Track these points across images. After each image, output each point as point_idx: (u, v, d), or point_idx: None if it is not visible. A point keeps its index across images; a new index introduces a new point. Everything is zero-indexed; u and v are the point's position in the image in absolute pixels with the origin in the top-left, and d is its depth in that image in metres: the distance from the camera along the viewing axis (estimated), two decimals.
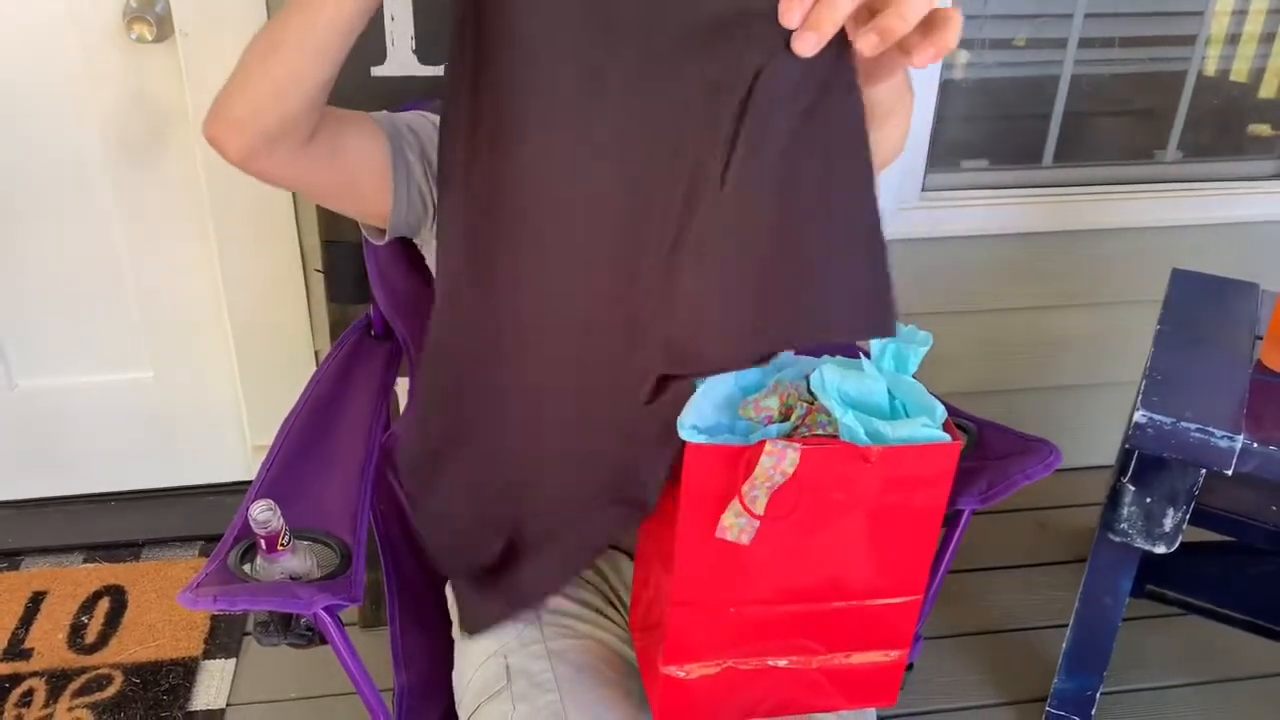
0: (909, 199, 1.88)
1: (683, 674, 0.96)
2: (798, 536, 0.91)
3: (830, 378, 0.89)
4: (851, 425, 0.88)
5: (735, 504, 0.87)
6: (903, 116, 0.91)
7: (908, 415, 0.91)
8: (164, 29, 1.54)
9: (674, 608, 0.94)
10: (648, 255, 0.86)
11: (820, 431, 0.90)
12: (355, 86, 1.49)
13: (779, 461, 0.85)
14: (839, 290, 0.79)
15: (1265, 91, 2.02)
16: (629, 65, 0.83)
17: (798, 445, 0.86)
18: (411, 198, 1.11)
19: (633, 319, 0.90)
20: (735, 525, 0.88)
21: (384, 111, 1.14)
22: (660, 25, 0.80)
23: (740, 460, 0.87)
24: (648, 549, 1.03)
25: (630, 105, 0.84)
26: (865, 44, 0.69)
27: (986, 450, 1.19)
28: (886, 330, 0.79)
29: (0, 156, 1.66)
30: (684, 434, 0.87)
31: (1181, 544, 1.36)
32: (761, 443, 0.86)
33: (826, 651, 0.98)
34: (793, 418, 0.91)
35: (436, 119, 1.17)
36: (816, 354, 1.00)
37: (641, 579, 1.05)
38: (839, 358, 0.96)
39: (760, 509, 0.87)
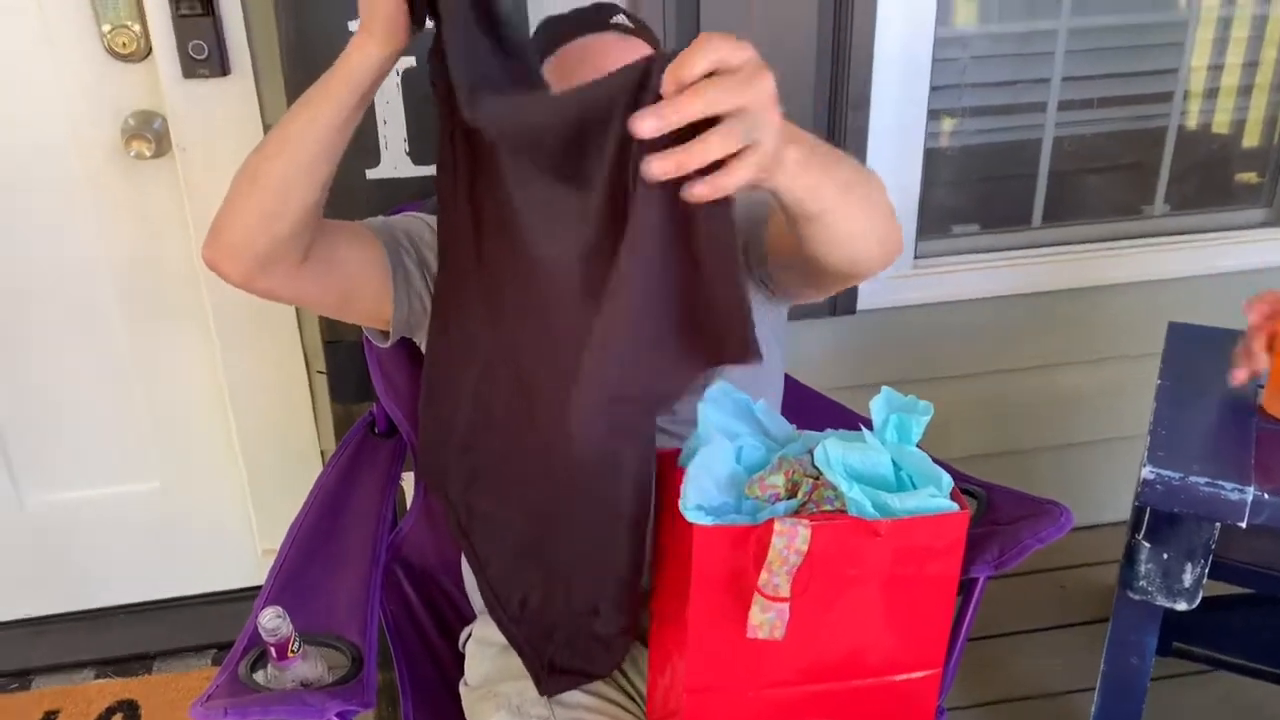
0: (902, 267, 1.90)
1: None
2: (812, 614, 0.90)
3: (834, 452, 0.89)
4: (859, 499, 0.87)
5: (759, 599, 0.86)
6: (843, 214, 0.87)
7: (914, 486, 0.91)
8: (162, 145, 1.58)
9: (690, 695, 0.93)
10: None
11: (828, 507, 0.90)
12: (351, 189, 1.52)
13: (791, 540, 0.85)
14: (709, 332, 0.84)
15: (1248, 140, 2.05)
16: (558, 179, 0.87)
17: (807, 522, 0.86)
18: (412, 302, 1.13)
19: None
20: (765, 622, 0.87)
21: (379, 218, 1.17)
22: (567, 147, 0.84)
23: (749, 539, 0.87)
24: (661, 635, 1.02)
25: (562, 211, 0.88)
26: (692, 194, 0.70)
27: (997, 514, 1.19)
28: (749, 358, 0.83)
29: (5, 274, 1.69)
30: (689, 515, 0.87)
31: (1204, 599, 1.34)
32: (770, 522, 0.86)
33: None
34: (799, 494, 0.90)
35: (430, 218, 1.19)
36: (820, 429, 1.00)
37: (657, 666, 1.04)
38: (842, 431, 0.96)
39: (786, 592, 0.86)
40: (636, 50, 1.16)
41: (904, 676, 0.95)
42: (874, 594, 0.92)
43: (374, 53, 0.93)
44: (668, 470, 0.95)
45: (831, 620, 0.92)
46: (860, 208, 0.90)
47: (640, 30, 1.20)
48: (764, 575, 0.85)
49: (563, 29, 1.19)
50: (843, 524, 0.88)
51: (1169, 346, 1.53)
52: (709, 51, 0.72)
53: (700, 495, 0.89)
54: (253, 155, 1.00)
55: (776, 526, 0.85)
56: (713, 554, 0.88)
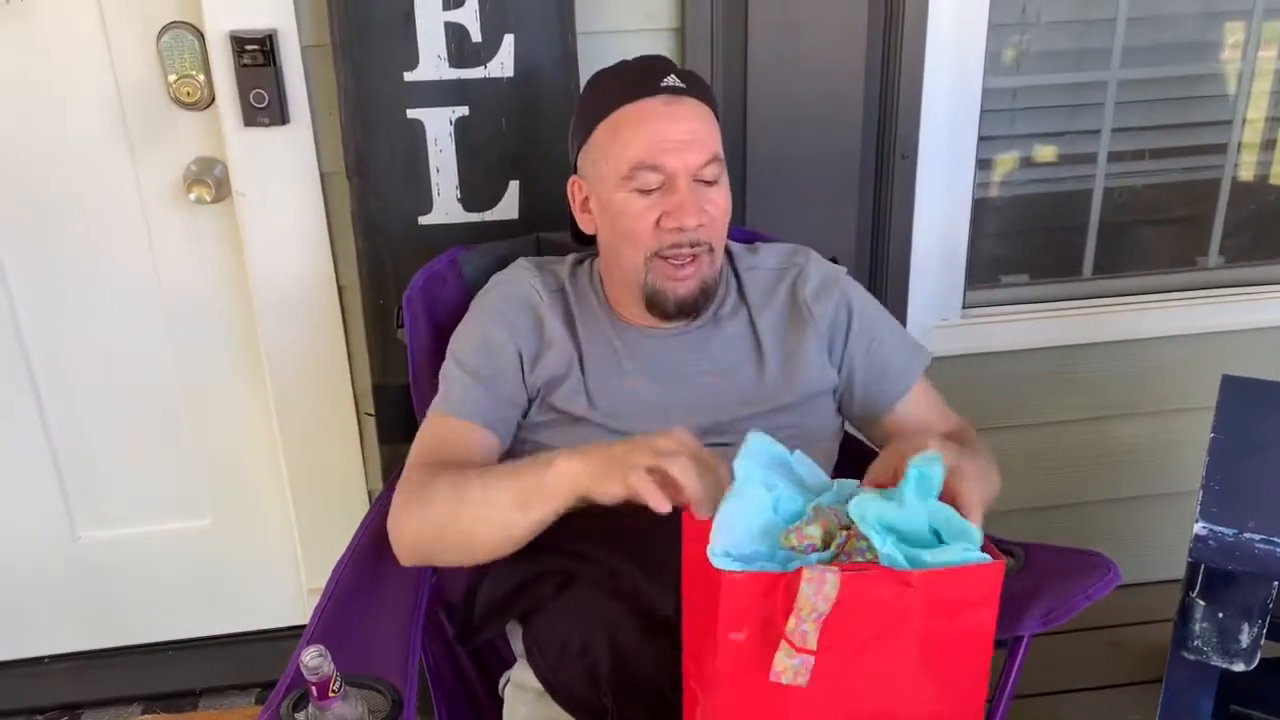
0: (950, 317, 1.88)
1: None
2: (844, 665, 0.89)
3: (870, 507, 0.89)
4: (892, 554, 0.87)
5: (785, 645, 0.85)
6: None
7: (945, 543, 0.90)
8: (222, 190, 1.62)
9: None
10: None
11: (859, 558, 0.89)
12: (404, 235, 1.56)
13: (820, 587, 0.84)
14: None
15: None
16: None
17: (837, 570, 0.85)
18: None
19: None
20: (790, 667, 0.86)
21: (481, 394, 1.25)
22: None
23: (778, 588, 0.86)
24: (690, 685, 1.01)
25: None
26: None
27: (1040, 568, 1.17)
28: None
29: (63, 314, 1.74)
30: (716, 561, 0.86)
31: (1263, 660, 1.30)
32: (800, 570, 0.85)
33: None
34: (833, 545, 0.90)
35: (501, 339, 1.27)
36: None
37: (688, 717, 1.03)
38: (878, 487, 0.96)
39: (813, 643, 0.85)
40: (685, 111, 1.19)
41: None
42: (908, 647, 0.90)
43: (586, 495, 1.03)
44: (693, 520, 0.95)
45: (864, 672, 0.90)
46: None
47: (690, 86, 1.22)
48: (792, 622, 0.84)
49: (615, 96, 1.22)
50: (874, 574, 0.87)
51: (1223, 400, 1.51)
52: None
53: (730, 542, 0.88)
54: (445, 513, 1.14)
55: (806, 574, 0.84)
56: (741, 602, 0.87)
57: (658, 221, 1.19)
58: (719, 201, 1.22)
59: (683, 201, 1.18)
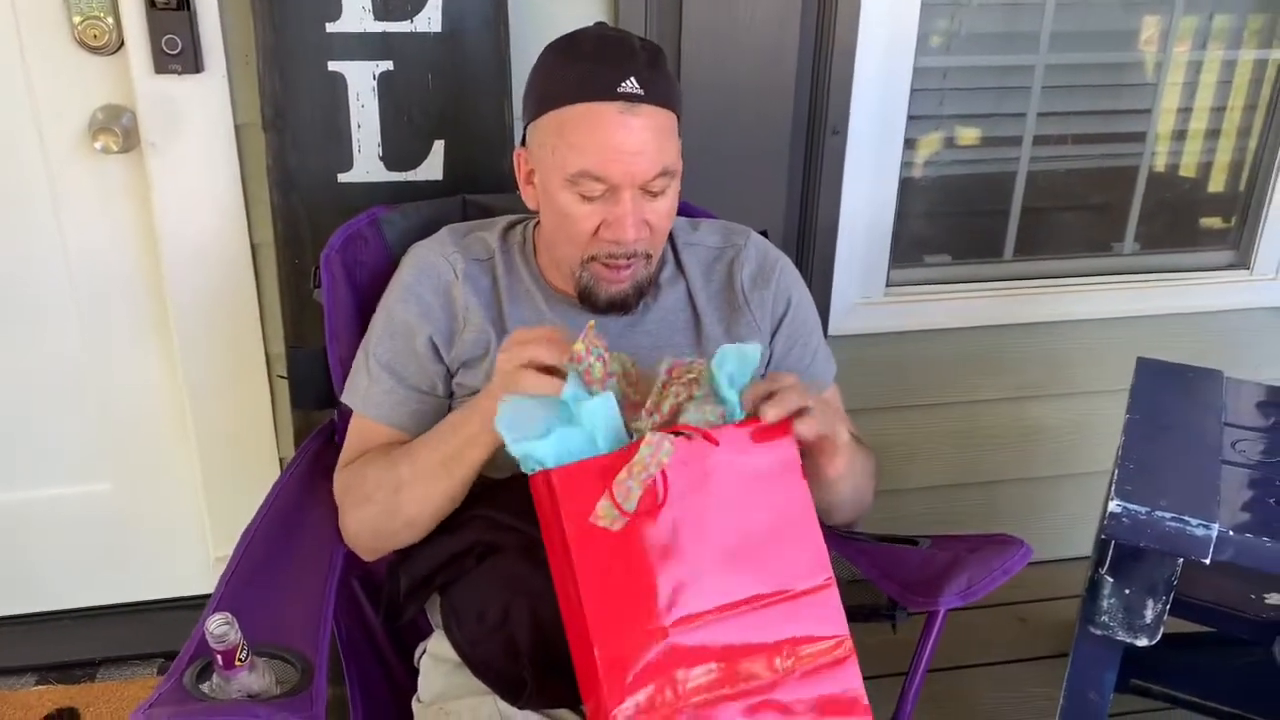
0: (873, 294, 1.90)
1: None
2: (689, 536, 0.96)
3: (731, 355, 0.98)
4: (729, 398, 0.97)
5: (608, 497, 0.92)
6: (840, 501, 1.19)
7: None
8: (130, 140, 1.55)
9: (602, 650, 0.92)
10: None
11: (686, 416, 0.98)
12: (323, 192, 1.51)
13: (655, 451, 0.92)
14: None
15: (1214, 186, 2.08)
16: None
17: (673, 439, 0.93)
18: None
19: None
20: (609, 515, 0.92)
21: (393, 390, 1.23)
22: None
23: (612, 468, 0.92)
24: (571, 632, 1.00)
25: None
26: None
27: (950, 547, 1.21)
28: None
29: None
30: (513, 449, 0.93)
31: (1164, 636, 1.34)
32: (634, 444, 0.92)
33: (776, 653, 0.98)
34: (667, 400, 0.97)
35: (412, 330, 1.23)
36: None
37: (581, 667, 1.01)
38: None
39: (633, 504, 0.92)
40: (639, 122, 1.11)
41: (802, 587, 0.99)
42: (733, 512, 0.97)
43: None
44: (535, 482, 0.97)
45: (705, 542, 0.96)
46: (853, 503, 1.24)
47: (650, 91, 1.12)
48: (623, 474, 0.91)
49: (568, 88, 1.13)
50: (686, 437, 0.95)
51: (1138, 381, 1.54)
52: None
53: (520, 431, 0.93)
54: (382, 505, 1.17)
55: (648, 438, 0.92)
56: (579, 495, 0.92)
57: (597, 229, 1.15)
58: (662, 211, 1.17)
59: (624, 215, 1.13)
